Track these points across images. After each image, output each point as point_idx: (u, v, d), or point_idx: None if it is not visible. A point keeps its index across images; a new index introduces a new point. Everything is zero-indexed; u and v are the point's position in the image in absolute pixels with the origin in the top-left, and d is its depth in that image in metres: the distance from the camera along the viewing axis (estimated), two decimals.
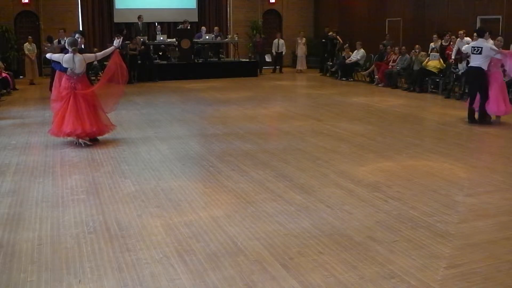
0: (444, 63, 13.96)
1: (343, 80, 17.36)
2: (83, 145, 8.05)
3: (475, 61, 9.75)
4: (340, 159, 7.23)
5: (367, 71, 16.93)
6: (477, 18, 14.89)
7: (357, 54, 17.37)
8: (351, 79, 17.53)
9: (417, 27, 16.98)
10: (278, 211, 5.22)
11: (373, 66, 16.52)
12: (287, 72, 20.60)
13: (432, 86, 14.12)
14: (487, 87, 9.61)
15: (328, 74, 18.75)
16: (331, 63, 18.68)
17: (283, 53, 20.32)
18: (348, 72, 17.57)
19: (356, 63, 17.43)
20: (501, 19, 14.17)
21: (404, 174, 6.50)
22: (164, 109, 11.85)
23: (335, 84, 16.77)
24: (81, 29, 19.01)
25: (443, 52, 14.43)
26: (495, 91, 9.57)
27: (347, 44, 18.23)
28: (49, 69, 13.72)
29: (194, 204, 5.46)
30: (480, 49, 9.64)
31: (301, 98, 14.34)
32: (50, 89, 13.51)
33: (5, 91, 14.24)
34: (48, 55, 8.70)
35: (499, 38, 10.37)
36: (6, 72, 15.25)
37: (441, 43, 14.81)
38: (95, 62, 13.98)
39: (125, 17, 19.99)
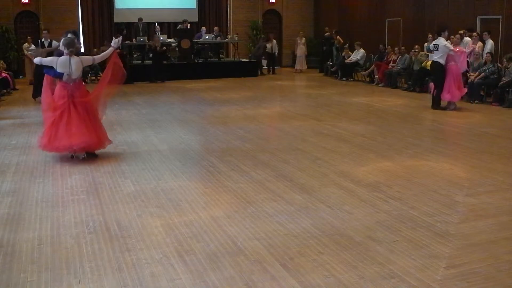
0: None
1: (343, 80, 17.37)
2: (80, 158, 7.25)
3: (435, 56, 11.29)
4: (340, 159, 7.23)
5: (367, 71, 16.94)
6: (477, 18, 14.90)
7: (357, 54, 17.38)
8: (351, 79, 17.54)
9: (417, 27, 16.98)
10: (278, 211, 5.22)
11: (373, 66, 16.54)
12: (286, 72, 20.60)
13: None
14: (443, 79, 11.06)
15: (326, 74, 18.74)
16: (331, 63, 18.69)
17: (276, 53, 20.18)
18: (348, 72, 17.58)
19: (356, 63, 17.43)
20: (501, 19, 14.17)
21: (404, 174, 6.50)
22: (164, 109, 11.85)
23: (335, 84, 16.77)
24: (81, 29, 18.98)
25: None
26: (448, 81, 11.00)
27: (347, 44, 18.26)
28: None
29: (194, 204, 5.46)
30: (437, 46, 11.16)
31: (301, 98, 14.34)
32: (33, 96, 12.63)
33: (5, 91, 14.24)
34: (37, 60, 7.56)
35: (457, 35, 11.98)
36: (6, 72, 15.24)
37: None
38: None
39: (125, 17, 20.00)
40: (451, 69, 11.06)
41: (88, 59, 7.61)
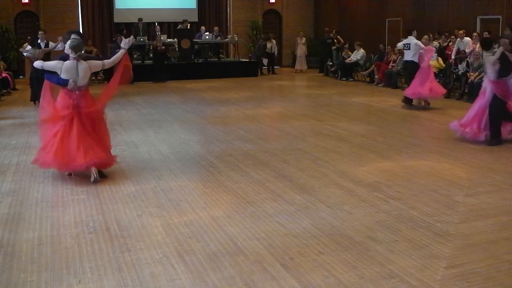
0: (444, 63, 13.97)
1: (343, 80, 17.37)
2: (95, 175, 6.24)
3: (407, 56, 11.94)
4: (340, 159, 7.23)
5: (367, 71, 16.94)
6: (477, 18, 14.90)
7: (357, 54, 17.39)
8: (351, 79, 17.54)
9: (417, 27, 16.90)
10: (278, 211, 5.22)
11: (373, 66, 16.54)
12: (286, 72, 20.60)
13: None
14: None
15: (327, 74, 18.74)
16: (331, 63, 18.70)
17: (275, 53, 20.19)
18: (348, 72, 17.58)
19: (356, 63, 17.44)
20: (501, 19, 14.17)
21: (404, 174, 6.50)
22: (164, 109, 11.85)
23: (335, 84, 16.77)
24: (81, 29, 18.95)
25: (443, 52, 14.43)
26: (415, 79, 11.28)
27: (347, 44, 18.26)
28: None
29: (194, 204, 5.46)
30: (408, 45, 11.78)
31: (301, 98, 14.34)
32: (32, 100, 12.16)
33: (5, 91, 14.24)
34: (37, 64, 6.52)
35: (425, 36, 12.17)
36: (6, 72, 15.24)
37: (440, 43, 14.83)
38: None
39: (125, 17, 20.01)
40: (422, 67, 11.37)
41: (97, 64, 6.61)
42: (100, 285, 3.74)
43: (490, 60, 8.01)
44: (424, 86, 11.24)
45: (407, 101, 11.64)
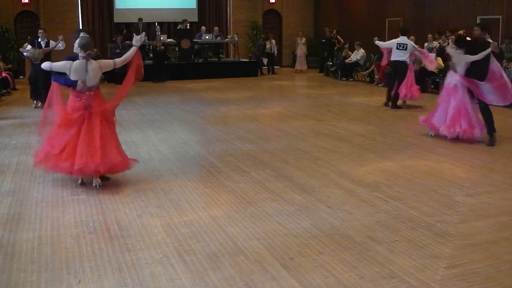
0: (444, 63, 13.96)
1: (343, 80, 17.38)
2: (97, 186, 6.03)
3: (400, 56, 11.46)
4: (340, 159, 7.23)
5: (367, 71, 16.95)
6: (477, 18, 14.89)
7: (357, 54, 17.40)
8: (351, 79, 17.55)
9: (417, 27, 16.97)
10: (278, 211, 5.22)
11: (373, 66, 16.54)
12: (286, 72, 20.61)
13: (432, 86, 14.12)
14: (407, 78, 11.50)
15: (327, 74, 18.74)
16: (331, 63, 18.71)
17: (275, 53, 20.22)
18: (348, 72, 17.59)
19: (356, 63, 17.45)
20: (501, 19, 14.17)
21: (404, 174, 6.50)
22: (164, 109, 11.85)
23: (335, 84, 16.77)
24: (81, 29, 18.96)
25: (443, 52, 14.42)
26: (406, 80, 11.37)
27: (347, 44, 18.27)
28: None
29: (194, 204, 5.46)
30: (405, 45, 11.42)
31: (301, 98, 14.34)
32: (33, 97, 12.04)
33: (5, 91, 14.24)
34: (45, 65, 6.19)
35: (412, 37, 12.35)
36: (6, 72, 15.24)
37: (440, 43, 14.83)
38: None
39: (125, 17, 20.05)
40: (411, 68, 11.66)
41: (107, 64, 6.22)
42: (100, 285, 3.74)
43: (466, 58, 8.14)
44: (413, 87, 11.45)
45: (395, 104, 11.58)
